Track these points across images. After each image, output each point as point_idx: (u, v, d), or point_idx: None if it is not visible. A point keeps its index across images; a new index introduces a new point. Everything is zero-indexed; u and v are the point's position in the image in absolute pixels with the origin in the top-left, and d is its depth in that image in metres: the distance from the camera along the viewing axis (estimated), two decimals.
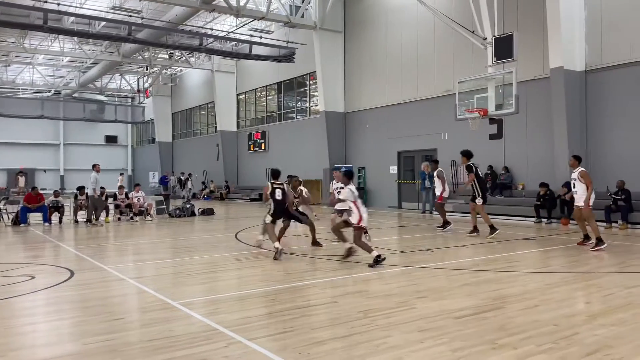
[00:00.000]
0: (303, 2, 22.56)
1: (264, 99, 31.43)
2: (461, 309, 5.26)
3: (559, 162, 15.19)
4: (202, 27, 25.41)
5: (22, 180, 36.72)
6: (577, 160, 10.09)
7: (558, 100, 14.98)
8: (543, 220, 14.70)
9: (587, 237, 9.86)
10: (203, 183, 34.38)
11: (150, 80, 36.33)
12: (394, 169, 21.91)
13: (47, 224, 15.58)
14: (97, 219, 15.78)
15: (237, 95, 33.55)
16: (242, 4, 19.68)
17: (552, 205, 14.58)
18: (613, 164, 14.55)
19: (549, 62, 15.16)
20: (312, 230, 9.93)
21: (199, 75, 36.26)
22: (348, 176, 8.71)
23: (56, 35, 26.26)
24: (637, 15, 14.01)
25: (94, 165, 16.15)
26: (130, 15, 22.65)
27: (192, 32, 24.23)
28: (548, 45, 15.18)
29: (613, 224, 13.16)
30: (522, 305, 5.40)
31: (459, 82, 14.89)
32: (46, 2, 20.31)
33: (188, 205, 18.99)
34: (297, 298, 5.85)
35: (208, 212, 19.26)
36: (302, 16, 22.59)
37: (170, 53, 30.95)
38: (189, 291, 6.56)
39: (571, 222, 13.91)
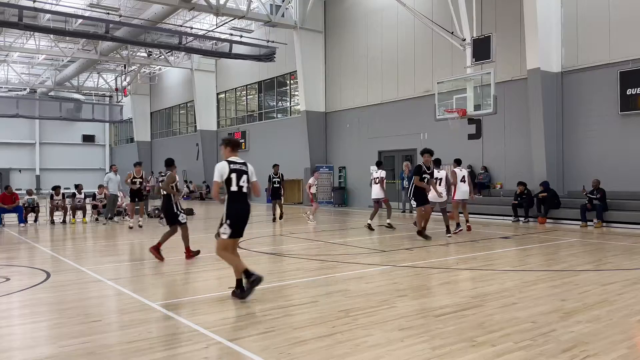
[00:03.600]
0: (283, 1, 22.53)
1: (245, 98, 31.28)
2: (441, 307, 5.31)
3: (536, 161, 15.46)
4: (181, 26, 25.20)
5: None
6: None
7: (535, 101, 15.23)
8: (520, 219, 14.93)
9: None
10: (185, 182, 34.06)
11: (128, 79, 35.82)
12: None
13: (22, 224, 15.27)
14: (111, 218, 16.15)
15: (217, 94, 33.33)
16: (222, 2, 19.56)
17: (530, 204, 14.83)
18: (588, 163, 14.86)
19: (526, 64, 15.41)
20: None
21: (178, 74, 35.93)
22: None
23: (32, 33, 25.72)
24: (611, 18, 14.33)
25: (111, 166, 17.17)
26: (108, 13, 22.32)
27: (171, 31, 24.01)
28: (525, 46, 15.42)
29: (588, 223, 13.43)
30: (501, 303, 5.48)
31: (438, 83, 15.05)
32: None
33: None
34: (278, 298, 5.84)
35: (187, 212, 19.03)
36: (283, 15, 22.55)
37: (149, 51, 30.57)
38: (168, 292, 6.49)
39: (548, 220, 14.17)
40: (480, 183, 17.26)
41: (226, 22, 24.71)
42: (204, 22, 27.14)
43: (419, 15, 16.39)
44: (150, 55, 31.20)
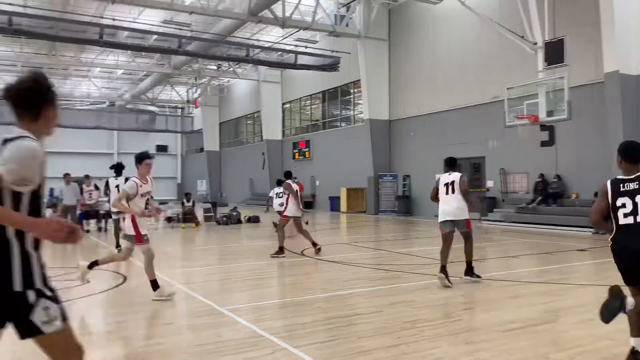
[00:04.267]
0: (348, 11, 22.68)
1: (309, 107, 31.68)
2: (511, 321, 5.11)
3: (615, 170, 14.54)
4: (248, 39, 25.96)
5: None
6: None
7: (614, 106, 14.36)
8: (599, 231, 14.08)
9: None
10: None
11: (199, 91, 37.39)
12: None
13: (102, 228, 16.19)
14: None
15: (283, 104, 33.97)
16: (287, 14, 19.99)
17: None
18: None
19: (603, 66, 14.58)
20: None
21: (245, 85, 37.01)
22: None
23: (111, 49, 27.46)
24: None
25: (65, 175, 15.21)
26: (180, 29, 23.43)
27: (239, 44, 24.79)
28: (602, 48, 14.61)
29: None
30: (576, 319, 5.19)
31: (508, 88, 14.56)
32: (102, 17, 21.30)
33: (235, 213, 19.36)
34: (342, 307, 5.85)
35: (254, 220, 19.56)
36: (347, 25, 22.70)
37: (219, 64, 31.74)
38: (236, 297, 6.67)
39: None
40: (554, 192, 16.45)
41: (292, 34, 25.21)
42: (270, 35, 27.84)
43: (487, 20, 15.98)
44: (220, 67, 32.38)
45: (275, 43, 26.63)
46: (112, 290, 6.98)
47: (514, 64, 17.90)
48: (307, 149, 30.62)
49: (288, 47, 26.06)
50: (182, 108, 45.62)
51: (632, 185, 3.86)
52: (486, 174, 19.57)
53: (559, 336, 4.60)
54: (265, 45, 25.97)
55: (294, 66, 24.46)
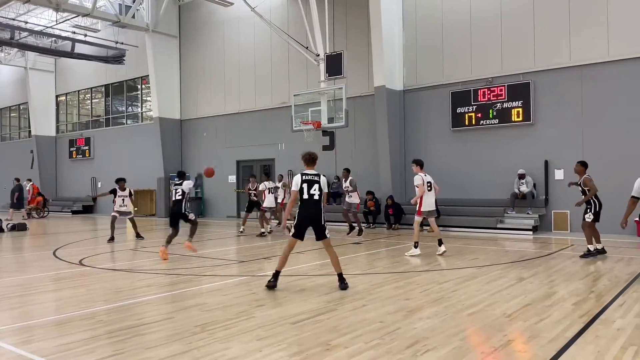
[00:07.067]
0: (134, 2, 21.37)
1: (89, 102, 28.91)
2: (298, 313, 5.43)
3: (382, 173, 16.66)
4: (14, 20, 22.49)
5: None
6: (583, 166, 9.52)
7: (381, 116, 16.44)
8: (369, 225, 15.95)
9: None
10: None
11: None
12: (232, 178, 21.84)
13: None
14: None
15: (57, 96, 30.34)
16: None
17: (378, 211, 15.93)
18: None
19: (374, 81, 16.59)
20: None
21: (8, 72, 31.91)
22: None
23: None
24: (444, 46, 16.10)
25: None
26: None
27: (1, 24, 21.31)
28: (372, 65, 16.60)
29: (426, 228, 14.85)
30: (352, 305, 5.78)
31: (294, 95, 15.49)
32: None
33: None
34: (127, 317, 5.46)
35: (20, 228, 17.00)
36: (133, 17, 21.37)
37: None
38: None
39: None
40: (335, 192, 18.10)
41: (68, 19, 22.68)
42: (41, 18, 24.58)
43: (276, 29, 16.74)
44: None
45: (48, 27, 23.62)
46: None
47: (301, 72, 19.17)
48: (87, 147, 27.92)
49: (65, 34, 23.36)
50: None
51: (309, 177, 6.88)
52: (276, 175, 20.46)
53: (339, 323, 5.06)
54: (36, 29, 22.83)
55: (71, 55, 22.04)
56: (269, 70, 20.43)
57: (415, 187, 10.06)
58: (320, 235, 6.82)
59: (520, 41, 14.72)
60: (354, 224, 13.78)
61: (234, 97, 21.72)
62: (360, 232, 13.60)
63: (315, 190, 6.74)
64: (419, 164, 10.26)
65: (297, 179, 6.83)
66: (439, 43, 16.21)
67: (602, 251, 9.41)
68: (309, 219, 6.75)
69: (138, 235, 13.64)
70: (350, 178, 13.68)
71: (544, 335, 4.58)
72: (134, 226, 13.71)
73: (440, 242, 10.08)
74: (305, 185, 6.74)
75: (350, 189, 13.60)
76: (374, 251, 10.86)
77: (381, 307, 5.71)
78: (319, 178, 6.86)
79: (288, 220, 7.50)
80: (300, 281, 7.39)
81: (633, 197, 7.75)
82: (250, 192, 15.34)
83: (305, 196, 6.73)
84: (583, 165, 9.55)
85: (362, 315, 5.35)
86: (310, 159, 7.05)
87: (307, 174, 6.84)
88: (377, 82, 16.36)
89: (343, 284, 6.72)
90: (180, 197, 9.98)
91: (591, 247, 9.35)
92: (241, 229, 15.03)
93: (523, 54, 14.67)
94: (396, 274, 7.91)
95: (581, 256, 9.40)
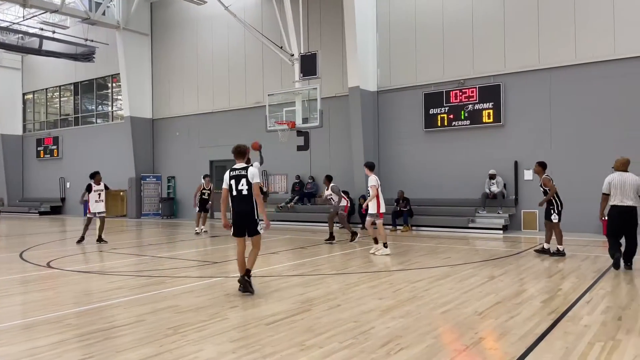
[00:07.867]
0: None
1: (57, 100, 28.22)
2: (272, 314, 5.41)
3: (357, 172, 16.73)
4: None
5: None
6: (542, 167, 9.73)
7: (355, 117, 16.52)
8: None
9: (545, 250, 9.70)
10: None
11: None
12: None
13: None
14: None
15: (24, 94, 29.53)
16: None
17: (351, 212, 15.99)
18: (400, 174, 16.58)
19: (348, 82, 16.65)
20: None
21: None
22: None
23: None
24: (417, 48, 16.27)
25: None
26: None
27: None
28: (347, 66, 16.66)
29: (398, 227, 15.05)
30: (327, 305, 5.79)
31: (269, 95, 15.42)
32: None
33: None
34: (97, 320, 5.35)
35: None
36: (104, 14, 20.96)
37: None
38: None
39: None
40: (309, 192, 18.10)
41: (36, 15, 22.08)
42: (8, 14, 23.88)
43: (250, 28, 16.63)
44: None
45: (15, 24, 22.95)
46: None
47: (275, 72, 19.10)
48: (55, 147, 27.25)
49: (32, 30, 22.74)
50: None
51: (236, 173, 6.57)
52: None
53: (314, 323, 5.06)
54: (2, 25, 22.15)
55: (39, 52, 21.44)
56: (242, 69, 20.30)
57: (369, 188, 10.20)
58: (251, 231, 6.45)
59: (491, 44, 15.00)
60: (354, 230, 12.80)
61: (207, 97, 21.51)
62: (354, 236, 12.57)
63: (243, 185, 6.36)
64: (372, 167, 10.54)
65: (225, 175, 6.53)
66: (412, 45, 16.38)
67: (561, 253, 9.42)
68: (240, 215, 6.42)
69: (100, 239, 12.67)
70: (332, 185, 12.77)
71: (514, 333, 4.67)
72: (101, 228, 12.80)
73: (376, 241, 10.29)
74: (233, 182, 6.42)
75: (333, 196, 12.75)
76: (348, 251, 10.90)
77: (356, 306, 5.73)
78: (246, 171, 6.43)
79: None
80: (275, 282, 7.36)
81: (604, 194, 8.04)
82: (205, 191, 15.31)
83: (234, 192, 6.41)
84: (541, 165, 9.76)
85: (337, 315, 5.36)
86: (237, 152, 6.64)
87: (235, 169, 6.49)
88: (352, 83, 16.42)
89: (244, 287, 6.37)
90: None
91: (546, 246, 9.61)
92: (196, 230, 15.06)
93: (494, 56, 14.96)
94: (370, 274, 7.95)
95: (536, 250, 9.74)
